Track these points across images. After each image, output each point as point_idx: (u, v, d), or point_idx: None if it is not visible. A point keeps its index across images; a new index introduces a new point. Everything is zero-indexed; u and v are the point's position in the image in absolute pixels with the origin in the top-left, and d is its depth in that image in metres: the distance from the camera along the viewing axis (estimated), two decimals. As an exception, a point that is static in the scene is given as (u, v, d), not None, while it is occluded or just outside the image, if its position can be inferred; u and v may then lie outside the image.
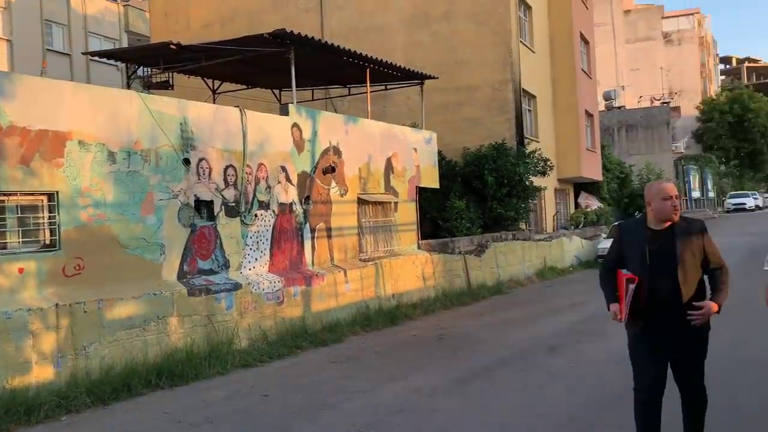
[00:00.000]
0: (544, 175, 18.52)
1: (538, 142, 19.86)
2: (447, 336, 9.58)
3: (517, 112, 17.89)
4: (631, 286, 3.78)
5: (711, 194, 54.34)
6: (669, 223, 3.89)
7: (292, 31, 10.11)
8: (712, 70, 76.99)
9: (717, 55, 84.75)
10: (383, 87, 14.69)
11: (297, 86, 10.74)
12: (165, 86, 12.99)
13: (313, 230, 10.28)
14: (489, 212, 16.59)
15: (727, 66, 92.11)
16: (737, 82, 75.03)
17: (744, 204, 50.14)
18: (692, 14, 68.75)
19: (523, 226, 17.79)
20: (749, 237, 24.49)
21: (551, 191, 21.46)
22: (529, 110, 20.07)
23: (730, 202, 51.69)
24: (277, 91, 15.41)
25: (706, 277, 3.98)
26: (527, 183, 16.99)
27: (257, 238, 9.26)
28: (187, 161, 8.27)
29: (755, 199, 53.15)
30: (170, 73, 12.93)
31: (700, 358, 3.95)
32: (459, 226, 15.32)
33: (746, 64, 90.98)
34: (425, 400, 6.16)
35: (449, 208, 15.53)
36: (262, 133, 9.42)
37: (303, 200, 10.11)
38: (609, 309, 4.00)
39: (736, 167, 59.64)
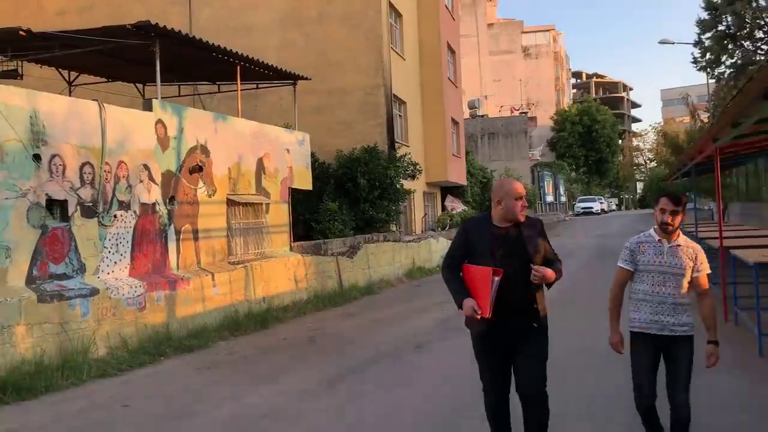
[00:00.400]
0: (414, 179, 19.14)
1: (408, 146, 20.47)
2: (318, 338, 9.59)
3: (388, 116, 18.33)
4: (497, 279, 3.64)
5: (563, 198, 58.84)
6: (513, 221, 3.85)
7: (157, 23, 9.67)
8: (565, 83, 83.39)
9: (570, 69, 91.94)
10: (254, 86, 14.44)
11: (162, 81, 10.28)
12: (13, 76, 11.90)
13: (178, 232, 9.89)
14: (361, 214, 16.86)
15: (578, 80, 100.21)
16: (587, 96, 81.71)
17: (591, 208, 54.89)
18: (548, 30, 74.13)
19: (393, 227, 18.26)
20: (596, 238, 26.80)
21: (420, 194, 22.21)
22: (400, 115, 20.64)
23: (579, 206, 56.32)
24: (140, 86, 14.66)
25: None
26: (398, 186, 17.47)
27: (117, 240, 8.74)
28: (37, 157, 7.64)
29: (601, 203, 58.33)
30: (19, 62, 11.88)
31: (543, 358, 3.86)
32: (332, 228, 15.43)
33: (594, 79, 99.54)
34: (295, 403, 6.12)
35: (322, 210, 15.59)
36: (123, 129, 8.91)
37: (167, 200, 9.69)
38: (461, 306, 3.78)
39: (584, 174, 65.13)
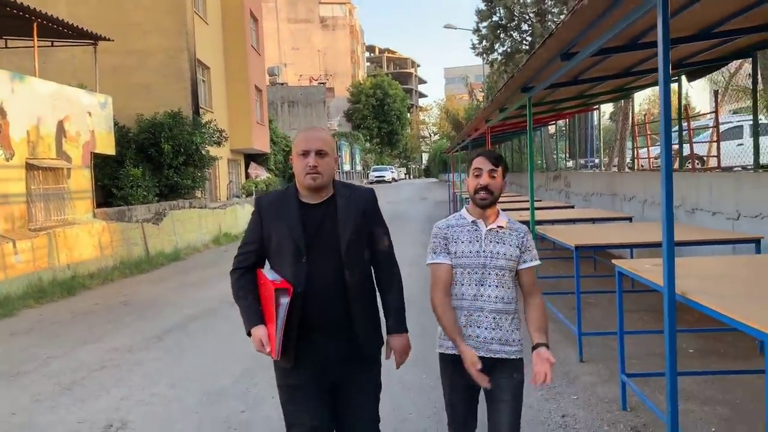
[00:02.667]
0: (220, 146, 19.26)
1: (213, 113, 20.46)
2: (132, 302, 9.77)
3: (192, 81, 18.18)
4: (284, 301, 2.43)
5: (359, 167, 61.76)
6: (325, 193, 2.63)
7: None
8: (360, 57, 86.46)
9: (364, 43, 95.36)
10: (50, 43, 13.55)
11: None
12: None
13: (-27, 197, 9.32)
14: (165, 180, 16.69)
15: (372, 54, 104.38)
16: (379, 70, 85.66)
17: (384, 176, 58.56)
18: (344, 3, 75.95)
19: (199, 194, 18.30)
20: (389, 204, 29.05)
21: (224, 161, 22.32)
22: (204, 81, 20.48)
23: (373, 174, 59.69)
24: None
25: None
26: (204, 152, 17.52)
27: None
28: None
29: (392, 172, 62.43)
30: None
31: (374, 389, 2.73)
32: (134, 194, 15.15)
33: (387, 54, 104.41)
34: (126, 356, 6.51)
35: (123, 175, 15.20)
36: None
37: (-39, 164, 9.08)
38: (250, 335, 2.57)
39: (378, 144, 68.81)
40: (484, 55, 27.51)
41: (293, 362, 2.55)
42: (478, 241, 2.78)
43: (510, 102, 8.52)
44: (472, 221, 2.82)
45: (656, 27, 3.17)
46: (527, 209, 8.39)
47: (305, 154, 2.55)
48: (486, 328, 2.73)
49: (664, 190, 3.26)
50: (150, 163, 16.46)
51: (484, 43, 27.05)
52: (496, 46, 26.60)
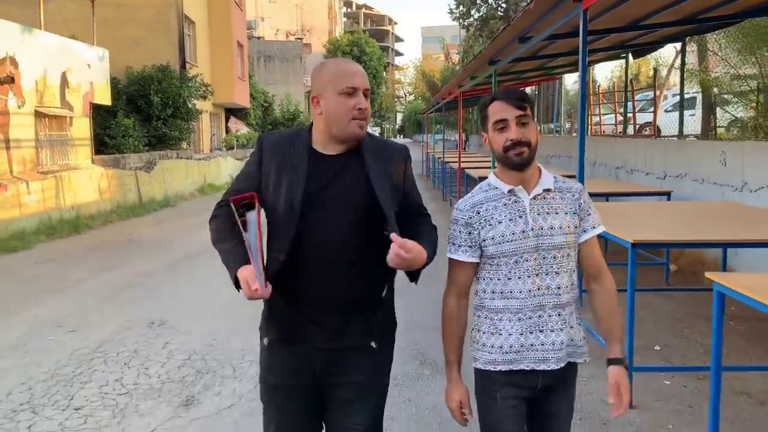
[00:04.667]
0: (205, 99, 20.09)
1: (197, 67, 21.17)
2: (136, 240, 10.88)
3: (180, 36, 18.88)
4: (251, 215, 1.86)
5: (333, 125, 62.10)
6: (348, 144, 2.02)
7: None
8: (337, 12, 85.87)
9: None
10: (49, -4, 14.20)
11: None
12: None
13: (-8, 141, 10.24)
14: (153, 131, 17.55)
15: (349, 9, 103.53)
16: (356, 26, 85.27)
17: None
18: (322, -43, 74.97)
19: (185, 146, 19.21)
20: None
21: (207, 115, 23.12)
22: (189, 35, 21.12)
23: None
24: None
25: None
26: (190, 105, 18.37)
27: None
28: None
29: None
30: None
31: (378, 391, 2.14)
32: (126, 144, 16.02)
33: (364, 10, 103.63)
34: (148, 279, 7.67)
35: (115, 125, 16.04)
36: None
37: (-19, 110, 9.96)
38: (236, 279, 1.93)
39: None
40: (461, 20, 28.46)
41: (287, 333, 2.03)
42: (521, 217, 2.01)
43: (479, 72, 9.72)
44: (509, 190, 2.03)
45: (591, 22, 4.43)
46: (489, 168, 9.71)
47: (352, 92, 1.97)
48: (552, 331, 2.00)
49: (579, 149, 4.55)
50: (139, 114, 17.28)
51: (461, 8, 27.98)
52: (473, 11, 27.57)
